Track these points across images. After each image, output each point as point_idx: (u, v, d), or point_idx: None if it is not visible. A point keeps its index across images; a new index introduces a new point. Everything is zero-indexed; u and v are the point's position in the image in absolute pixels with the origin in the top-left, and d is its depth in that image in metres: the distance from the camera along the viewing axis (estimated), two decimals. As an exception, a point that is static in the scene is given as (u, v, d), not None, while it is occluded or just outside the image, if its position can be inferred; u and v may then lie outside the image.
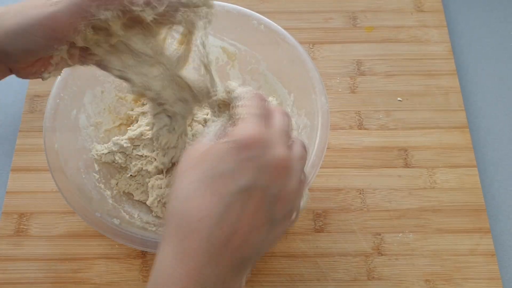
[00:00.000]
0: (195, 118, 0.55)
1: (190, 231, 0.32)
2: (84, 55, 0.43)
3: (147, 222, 0.51)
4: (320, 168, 0.57)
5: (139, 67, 0.44)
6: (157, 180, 0.52)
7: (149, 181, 0.53)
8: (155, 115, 0.47)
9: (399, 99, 0.61)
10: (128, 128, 0.55)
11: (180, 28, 0.44)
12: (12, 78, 0.64)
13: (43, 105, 0.60)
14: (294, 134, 0.42)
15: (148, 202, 0.52)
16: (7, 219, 0.54)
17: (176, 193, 0.33)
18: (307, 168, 0.47)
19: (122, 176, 0.54)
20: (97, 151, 0.54)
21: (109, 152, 0.53)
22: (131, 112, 0.56)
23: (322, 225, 0.54)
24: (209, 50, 0.43)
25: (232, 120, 0.36)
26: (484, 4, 0.68)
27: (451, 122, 0.59)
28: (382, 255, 0.53)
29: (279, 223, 0.34)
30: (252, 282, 0.52)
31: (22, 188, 0.56)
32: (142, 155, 0.54)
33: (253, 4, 0.65)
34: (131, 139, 0.53)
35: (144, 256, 0.53)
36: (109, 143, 0.54)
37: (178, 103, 0.46)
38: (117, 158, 0.54)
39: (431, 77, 0.62)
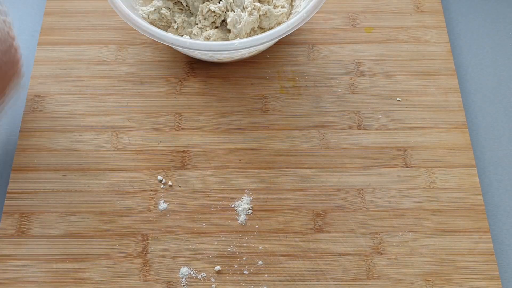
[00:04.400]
0: None
1: None
2: None
3: None
4: (320, 167, 0.58)
5: None
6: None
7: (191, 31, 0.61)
8: None
9: (398, 99, 0.61)
10: None
11: None
12: (13, 79, 0.64)
13: (44, 105, 0.60)
14: None
15: None
16: (8, 219, 0.55)
17: None
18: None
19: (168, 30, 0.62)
20: (143, 11, 0.60)
21: (155, 10, 0.61)
22: None
23: (322, 224, 0.54)
24: None
25: None
26: (484, 4, 0.69)
27: (450, 122, 0.60)
28: (381, 254, 0.53)
29: None
30: (252, 281, 0.52)
31: (23, 188, 0.56)
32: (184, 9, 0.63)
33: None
34: None
35: (144, 256, 0.53)
36: (153, 1, 0.61)
37: None
38: (163, 11, 0.61)
39: (430, 77, 0.62)
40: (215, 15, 0.60)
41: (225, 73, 0.63)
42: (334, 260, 0.53)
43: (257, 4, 0.59)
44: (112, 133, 0.59)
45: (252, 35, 0.59)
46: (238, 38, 0.59)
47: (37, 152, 0.58)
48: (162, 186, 0.56)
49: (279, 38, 0.55)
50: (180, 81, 0.62)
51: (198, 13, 0.61)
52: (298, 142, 0.59)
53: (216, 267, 0.52)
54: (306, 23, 0.56)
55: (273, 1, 0.62)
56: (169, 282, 0.52)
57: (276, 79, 0.62)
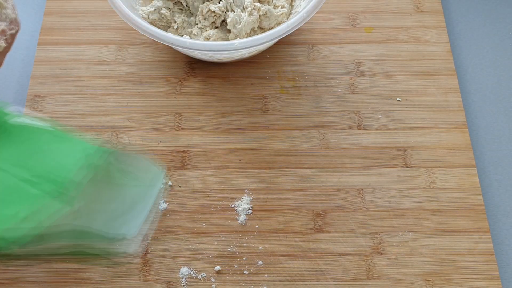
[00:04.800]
0: None
1: None
2: None
3: None
4: (320, 167, 0.58)
5: None
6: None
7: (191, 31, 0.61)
8: None
9: (398, 99, 0.61)
10: None
11: None
12: (13, 78, 0.65)
13: (44, 105, 0.60)
14: None
15: None
16: (8, 219, 0.55)
17: None
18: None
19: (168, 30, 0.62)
20: (143, 11, 0.61)
21: (155, 10, 0.61)
22: None
23: (322, 224, 0.54)
24: None
25: None
26: (483, 4, 0.69)
27: (450, 122, 0.60)
28: (381, 254, 0.53)
29: None
30: (252, 281, 0.52)
31: (23, 188, 0.56)
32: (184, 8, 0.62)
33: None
34: None
35: (144, 256, 0.53)
36: (153, 1, 0.61)
37: None
38: (163, 11, 0.61)
39: (430, 77, 0.62)
40: (215, 15, 0.60)
41: (225, 73, 0.63)
42: (334, 260, 0.53)
43: (257, 4, 0.59)
44: (112, 133, 0.59)
45: (252, 35, 0.59)
46: (238, 38, 0.59)
47: (37, 152, 0.58)
48: (162, 186, 0.56)
49: (279, 38, 0.55)
50: (180, 81, 0.62)
51: (198, 13, 0.61)
52: (298, 142, 0.59)
53: (216, 267, 0.52)
54: (306, 23, 0.55)
55: (273, 1, 0.62)
56: (169, 282, 0.52)
57: (276, 79, 0.62)
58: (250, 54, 0.60)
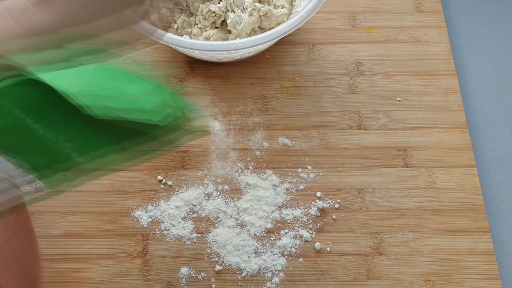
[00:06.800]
0: None
1: None
2: None
3: None
4: (320, 167, 0.57)
5: None
6: None
7: None
8: None
9: (398, 99, 0.61)
10: None
11: None
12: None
13: (43, 106, 0.60)
14: None
15: None
16: (8, 219, 0.55)
17: None
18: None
19: None
20: None
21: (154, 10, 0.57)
22: None
23: (322, 224, 0.54)
24: None
25: None
26: (484, 4, 0.68)
27: (451, 122, 0.60)
28: (381, 254, 0.53)
29: None
30: (252, 281, 0.52)
31: (23, 188, 0.56)
32: None
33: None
34: None
35: (144, 256, 0.53)
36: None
37: None
38: (163, 11, 0.55)
39: (431, 77, 0.62)
40: (215, 16, 0.60)
41: (225, 73, 0.63)
42: (334, 260, 0.53)
43: (257, 4, 0.59)
44: (112, 133, 0.59)
45: (252, 35, 0.59)
46: (238, 38, 0.59)
47: (37, 152, 0.58)
48: (162, 186, 0.56)
49: (279, 38, 0.55)
50: (180, 81, 0.62)
51: (198, 13, 0.61)
52: (298, 142, 0.59)
53: (216, 267, 0.52)
54: (306, 23, 0.55)
55: (273, 1, 0.62)
56: (169, 282, 0.52)
57: (276, 79, 0.62)
58: (250, 54, 0.60)
